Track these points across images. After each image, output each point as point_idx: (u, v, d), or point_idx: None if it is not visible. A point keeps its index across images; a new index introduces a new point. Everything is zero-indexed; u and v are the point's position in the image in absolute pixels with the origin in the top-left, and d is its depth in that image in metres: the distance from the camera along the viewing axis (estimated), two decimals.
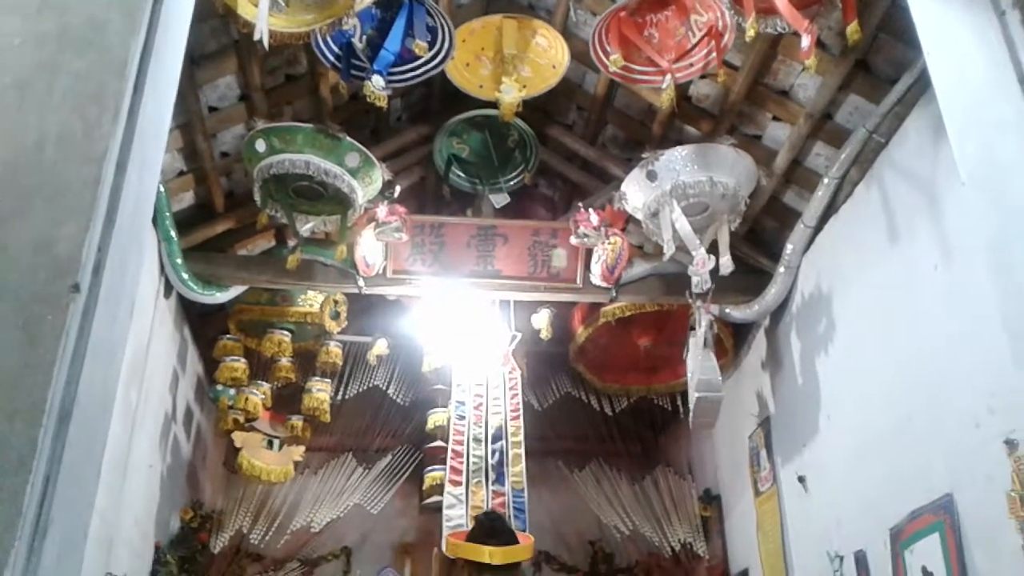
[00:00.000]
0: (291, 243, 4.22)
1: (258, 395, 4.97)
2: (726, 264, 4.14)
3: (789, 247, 4.54)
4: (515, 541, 3.23)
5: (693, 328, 4.59)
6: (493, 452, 4.80)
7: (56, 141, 1.53)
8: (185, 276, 4.39)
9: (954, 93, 2.09)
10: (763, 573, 4.93)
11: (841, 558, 4.06)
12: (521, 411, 5.04)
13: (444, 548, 3.63)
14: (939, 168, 3.38)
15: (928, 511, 3.36)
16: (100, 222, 1.52)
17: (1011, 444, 2.94)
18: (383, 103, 3.57)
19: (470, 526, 3.53)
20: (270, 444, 5.17)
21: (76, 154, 1.54)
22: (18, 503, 1.27)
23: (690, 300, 4.39)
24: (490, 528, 3.22)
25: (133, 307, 1.75)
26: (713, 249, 4.21)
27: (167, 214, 4.18)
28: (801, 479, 4.51)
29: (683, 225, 3.94)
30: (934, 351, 3.39)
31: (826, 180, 4.16)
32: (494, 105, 4.24)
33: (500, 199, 4.99)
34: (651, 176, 3.96)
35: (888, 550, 3.63)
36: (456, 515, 4.61)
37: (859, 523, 3.92)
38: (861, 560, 3.90)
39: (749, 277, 4.84)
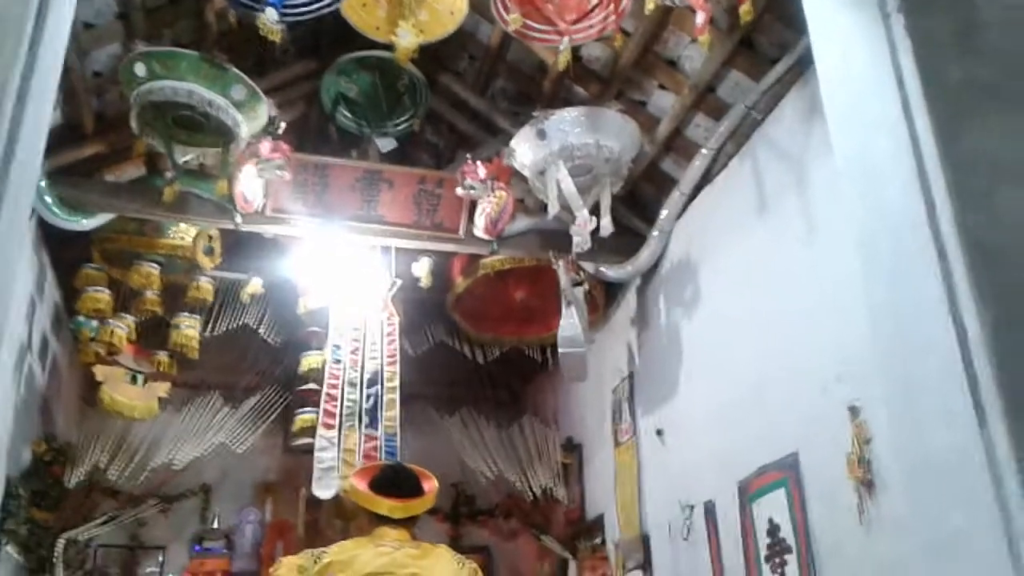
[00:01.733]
0: (169, 175, 4.05)
1: (123, 328, 4.78)
2: (606, 226, 4.27)
3: (664, 212, 4.73)
4: (418, 493, 3.22)
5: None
6: (368, 397, 4.82)
7: None
8: (48, 200, 4.15)
9: (836, 85, 2.22)
10: (618, 518, 5.20)
11: (692, 507, 4.34)
12: (398, 357, 5.07)
13: (344, 489, 3.58)
14: (810, 148, 3.60)
15: (774, 468, 3.64)
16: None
17: (854, 410, 3.22)
18: (277, 38, 3.46)
19: (363, 472, 3.49)
20: (134, 379, 5.00)
21: None
22: None
23: (552, 260, 4.52)
24: (393, 479, 3.20)
25: (23, 245, 1.68)
26: (595, 211, 4.35)
27: None
28: (659, 432, 4.77)
29: (568, 186, 4.04)
30: (792, 320, 3.65)
31: (704, 151, 4.35)
32: (388, 47, 4.18)
33: (386, 143, 4.94)
34: (541, 135, 4.02)
35: (736, 501, 3.92)
36: (328, 457, 4.62)
37: (710, 476, 4.19)
38: (710, 509, 4.18)
39: (624, 238, 5.00)
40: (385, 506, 3.12)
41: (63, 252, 4.99)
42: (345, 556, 2.96)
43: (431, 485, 3.27)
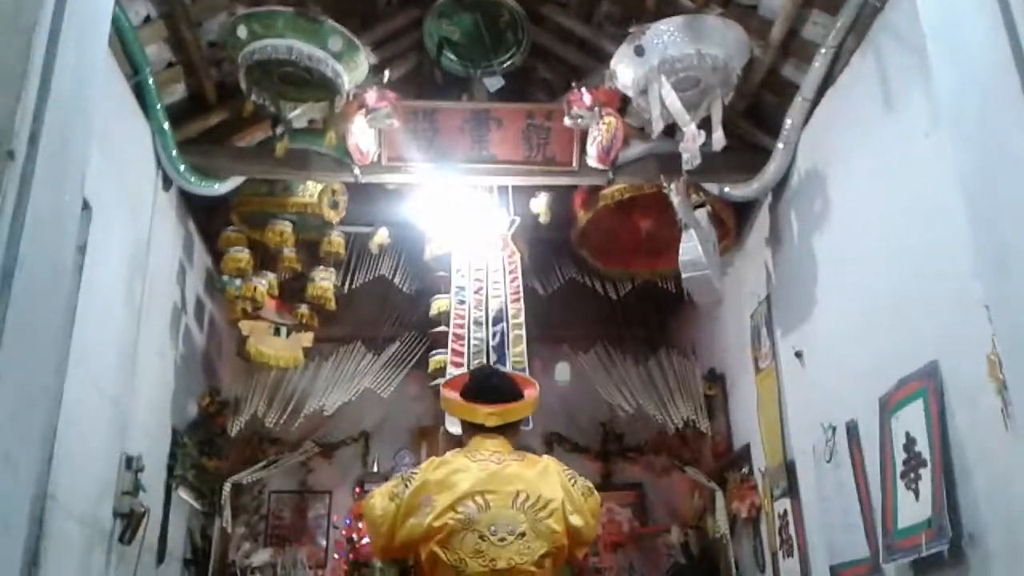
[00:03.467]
0: (279, 131, 4.23)
1: (263, 284, 5.06)
2: (719, 140, 4.08)
3: (788, 122, 4.47)
4: (515, 396, 2.98)
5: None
6: (494, 334, 4.88)
7: None
8: (181, 168, 4.43)
9: None
10: (763, 447, 5.04)
11: (834, 428, 4.13)
12: (521, 294, 5.10)
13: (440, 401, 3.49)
14: None
15: (914, 378, 3.40)
16: (33, 92, 1.55)
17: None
18: None
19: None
20: (277, 331, 5.30)
21: (6, 26, 1.56)
22: None
23: (663, 183, 4.36)
24: (485, 384, 2.98)
25: (84, 173, 1.79)
26: (708, 126, 4.16)
27: (158, 106, 4.19)
28: (798, 354, 4.55)
29: (672, 101, 3.87)
30: (923, 220, 3.37)
31: (823, 50, 4.06)
32: None
33: (494, 82, 4.93)
34: (639, 51, 3.87)
35: (877, 418, 3.69)
36: None
37: (851, 395, 3.96)
38: (852, 429, 3.97)
39: (749, 155, 4.79)
40: (478, 413, 2.89)
41: (209, 220, 5.34)
42: (440, 475, 2.75)
43: (531, 390, 3.03)
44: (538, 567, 2.65)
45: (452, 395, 3.01)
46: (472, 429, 2.94)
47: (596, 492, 2.97)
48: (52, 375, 1.66)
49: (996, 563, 2.86)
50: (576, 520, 2.77)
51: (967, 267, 3.06)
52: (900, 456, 3.41)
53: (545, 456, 2.97)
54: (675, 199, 4.33)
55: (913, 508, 3.26)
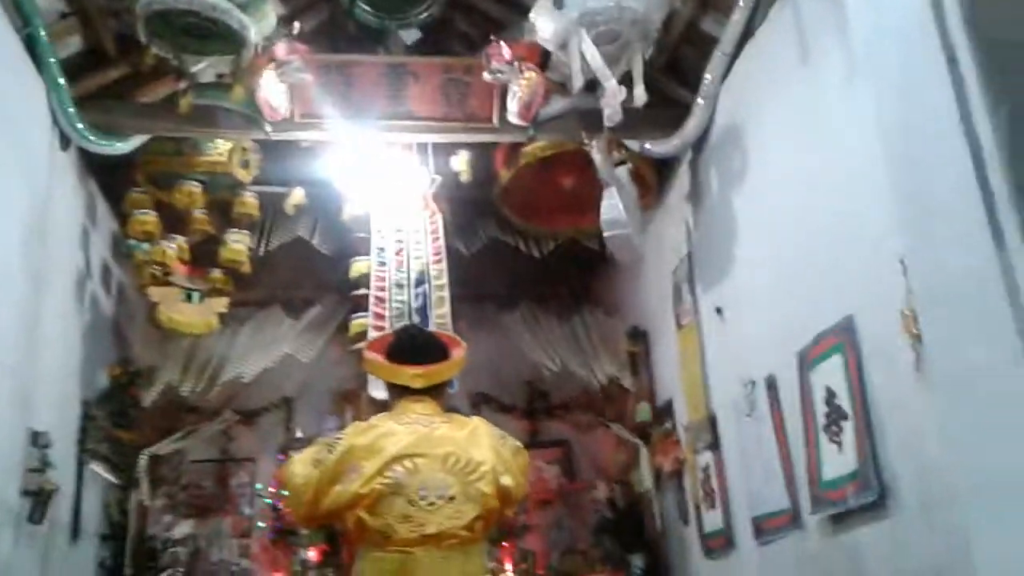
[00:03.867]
0: (183, 86, 4.02)
1: (172, 248, 4.86)
2: (639, 95, 4.03)
3: (707, 77, 4.44)
4: (441, 356, 2.87)
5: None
6: (416, 296, 4.79)
7: None
8: (79, 126, 4.18)
9: None
10: (685, 402, 5.09)
11: (753, 383, 4.18)
12: (444, 255, 5.01)
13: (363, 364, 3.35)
14: None
15: (831, 333, 3.44)
16: None
17: (905, 264, 2.98)
18: None
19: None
20: (189, 297, 5.08)
21: None
22: None
23: (584, 139, 4.31)
24: (410, 345, 2.88)
25: None
26: (630, 82, 4.11)
27: (51, 60, 3.93)
28: (719, 310, 4.59)
29: (593, 55, 3.80)
30: (840, 173, 3.38)
31: (741, 3, 4.04)
32: None
33: (410, 35, 4.78)
34: (557, 3, 3.79)
35: (796, 373, 3.74)
36: None
37: (770, 350, 4.01)
38: (771, 384, 4.02)
39: (669, 110, 4.76)
40: (404, 375, 2.77)
41: (113, 181, 5.09)
42: (366, 439, 2.65)
43: (458, 349, 2.93)
44: (469, 531, 2.60)
45: (376, 357, 2.90)
46: (398, 391, 2.84)
47: (525, 450, 2.93)
48: None
49: (910, 514, 2.93)
50: (507, 480, 2.71)
51: (882, 222, 3.09)
52: (821, 409, 3.46)
53: (474, 418, 2.91)
54: (597, 156, 4.28)
55: (837, 460, 3.33)
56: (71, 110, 4.13)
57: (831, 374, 3.41)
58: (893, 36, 1.87)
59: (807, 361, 3.64)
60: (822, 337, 3.51)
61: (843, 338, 3.34)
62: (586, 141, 4.35)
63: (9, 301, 3.68)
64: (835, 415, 3.36)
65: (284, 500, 5.44)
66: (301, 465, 2.72)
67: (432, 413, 2.78)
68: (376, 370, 3.00)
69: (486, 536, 2.76)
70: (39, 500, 3.82)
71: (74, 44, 4.26)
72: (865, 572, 3.19)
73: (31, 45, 3.86)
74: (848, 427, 3.26)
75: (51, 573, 4.06)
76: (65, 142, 4.33)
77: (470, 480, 2.62)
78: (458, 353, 2.93)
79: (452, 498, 2.58)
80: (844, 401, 3.30)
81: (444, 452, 2.65)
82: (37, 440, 3.88)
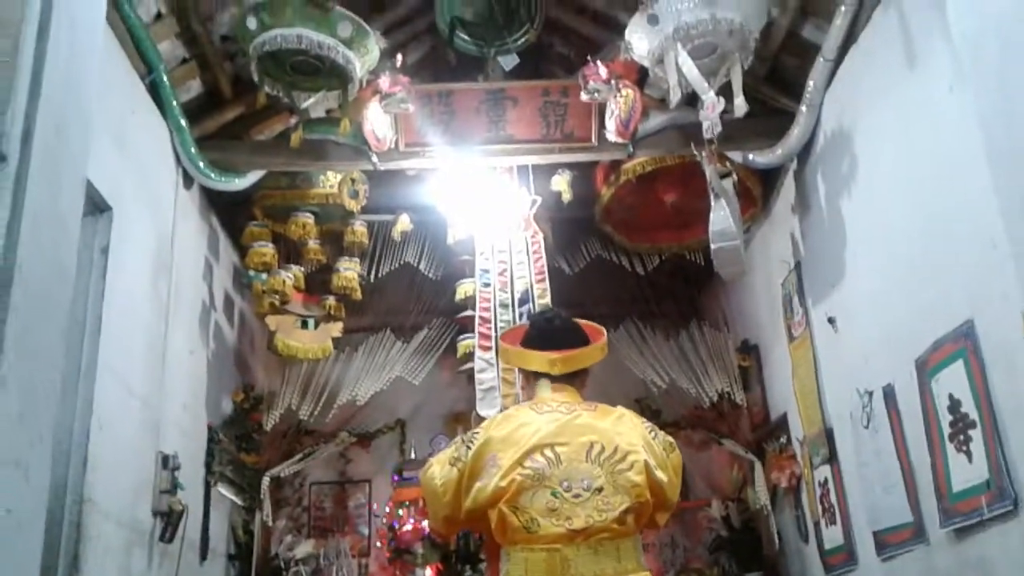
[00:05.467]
0: (293, 121, 4.21)
1: (289, 277, 5.06)
2: (740, 106, 3.99)
3: (810, 84, 4.36)
4: (580, 343, 2.66)
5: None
6: (521, 315, 4.83)
7: None
8: (201, 164, 4.44)
9: None
10: (800, 415, 4.96)
11: (870, 393, 4.05)
12: (546, 274, 5.03)
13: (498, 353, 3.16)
14: None
15: (950, 339, 3.32)
16: (24, 90, 1.52)
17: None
18: None
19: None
20: (304, 324, 5.29)
21: None
22: None
23: (695, 151, 4.27)
24: (547, 329, 2.67)
25: (83, 179, 1.77)
26: (729, 92, 4.07)
27: (174, 103, 4.20)
28: (831, 320, 4.47)
29: (690, 68, 3.79)
30: (951, 177, 3.27)
31: (843, 8, 3.95)
32: None
33: (509, 60, 4.86)
34: (652, 20, 3.79)
35: (914, 381, 3.61)
36: (488, 378, 4.71)
37: (886, 358, 3.89)
38: (889, 393, 3.89)
39: (772, 120, 4.69)
40: (542, 360, 2.58)
41: (233, 216, 5.35)
42: (504, 431, 2.47)
43: (599, 336, 2.71)
44: (620, 524, 2.34)
45: (511, 346, 2.73)
46: (536, 380, 2.64)
47: (677, 448, 2.65)
48: (55, 378, 1.64)
49: None
50: (660, 475, 2.46)
51: (997, 224, 2.97)
52: (946, 418, 3.33)
53: (619, 406, 2.63)
54: (707, 168, 4.23)
55: (967, 470, 3.20)
56: (193, 150, 4.39)
57: (954, 381, 3.28)
58: (993, 33, 1.82)
59: (926, 369, 3.51)
60: (941, 343, 3.38)
61: (964, 343, 3.21)
62: (696, 153, 4.30)
63: (141, 334, 3.92)
64: (961, 424, 3.22)
65: (403, 519, 5.60)
66: (439, 466, 2.56)
67: (573, 401, 2.57)
68: (511, 358, 2.84)
69: (639, 531, 2.46)
70: (170, 520, 4.02)
71: (194, 87, 4.53)
72: None
73: (155, 90, 4.12)
74: (977, 436, 3.13)
75: None
76: (188, 181, 4.60)
77: (618, 470, 2.38)
78: (599, 340, 2.71)
79: (600, 489, 2.36)
80: (970, 409, 3.17)
81: (588, 440, 2.42)
82: (167, 463, 4.09)
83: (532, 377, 2.66)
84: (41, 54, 1.58)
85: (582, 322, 2.75)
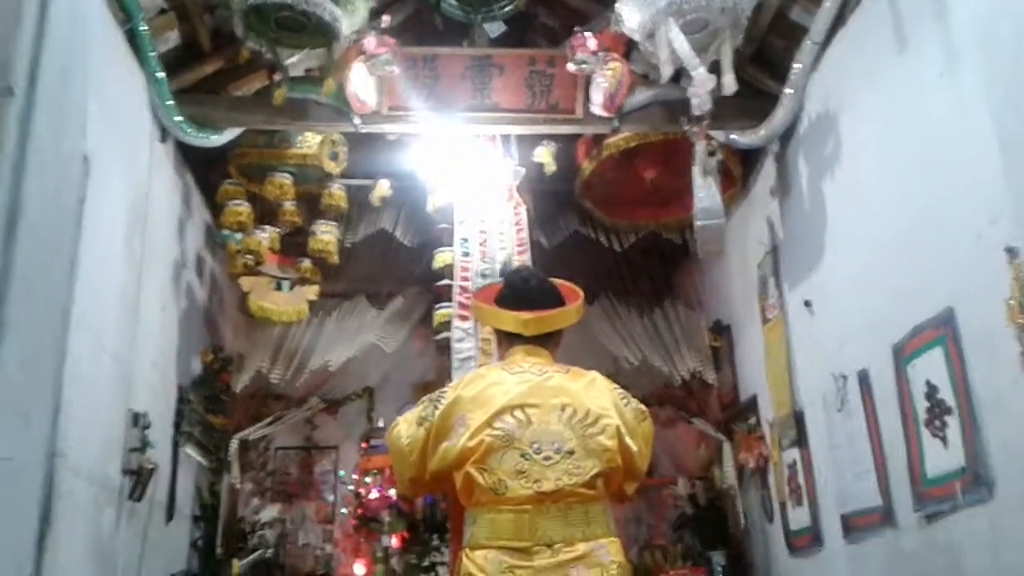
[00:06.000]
0: (277, 78, 4.12)
1: (264, 237, 4.98)
2: (729, 84, 3.98)
3: (796, 66, 4.37)
4: (555, 303, 2.58)
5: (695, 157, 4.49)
6: None
7: None
8: (178, 118, 4.33)
9: None
10: (770, 397, 5.02)
11: (845, 378, 4.10)
12: (528, 246, 5.01)
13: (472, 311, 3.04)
14: None
15: (930, 326, 3.35)
16: (30, 30, 1.47)
17: (1011, 252, 2.88)
18: None
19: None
20: (279, 286, 5.22)
21: None
22: None
23: (685, 127, 4.26)
24: (522, 288, 2.59)
25: (84, 120, 1.72)
26: (717, 70, 4.06)
27: (151, 53, 4.06)
28: (807, 303, 4.51)
29: (681, 44, 3.77)
30: (938, 162, 3.30)
31: None
32: None
33: (495, 28, 4.80)
34: None
35: (891, 366, 3.66)
36: (466, 348, 4.68)
37: (862, 343, 3.93)
38: (864, 378, 3.94)
39: (756, 101, 4.70)
40: (514, 320, 2.50)
41: (208, 174, 5.25)
42: (473, 390, 2.40)
43: (575, 297, 2.64)
44: (589, 488, 2.28)
45: (485, 304, 2.65)
46: (509, 340, 2.57)
47: (649, 417, 2.58)
48: (59, 325, 1.60)
49: (1013, 509, 2.84)
50: (631, 443, 2.40)
51: (985, 211, 3.01)
52: (922, 404, 3.38)
53: (593, 371, 2.56)
54: (698, 145, 4.22)
55: (942, 456, 3.24)
56: (170, 103, 4.27)
57: (932, 367, 3.32)
58: (1006, 15, 1.82)
59: (903, 354, 3.55)
60: (920, 330, 3.42)
61: (944, 330, 3.25)
62: (685, 128, 4.28)
63: (114, 288, 3.83)
64: (938, 410, 3.27)
65: (369, 487, 5.58)
66: (406, 425, 2.48)
67: (546, 363, 2.50)
68: (484, 316, 2.76)
69: (609, 496, 2.39)
70: (139, 479, 3.96)
71: (172, 38, 4.40)
72: (963, 567, 3.11)
73: (132, 39, 3.99)
74: (953, 422, 3.17)
75: (149, 549, 4.20)
76: (164, 135, 4.48)
77: (590, 433, 2.32)
78: (575, 301, 2.64)
79: (571, 452, 2.29)
80: (948, 395, 3.21)
81: (559, 402, 2.36)
82: (138, 421, 4.01)
83: (504, 337, 2.62)
84: None
85: (558, 282, 2.68)
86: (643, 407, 2.57)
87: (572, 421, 2.34)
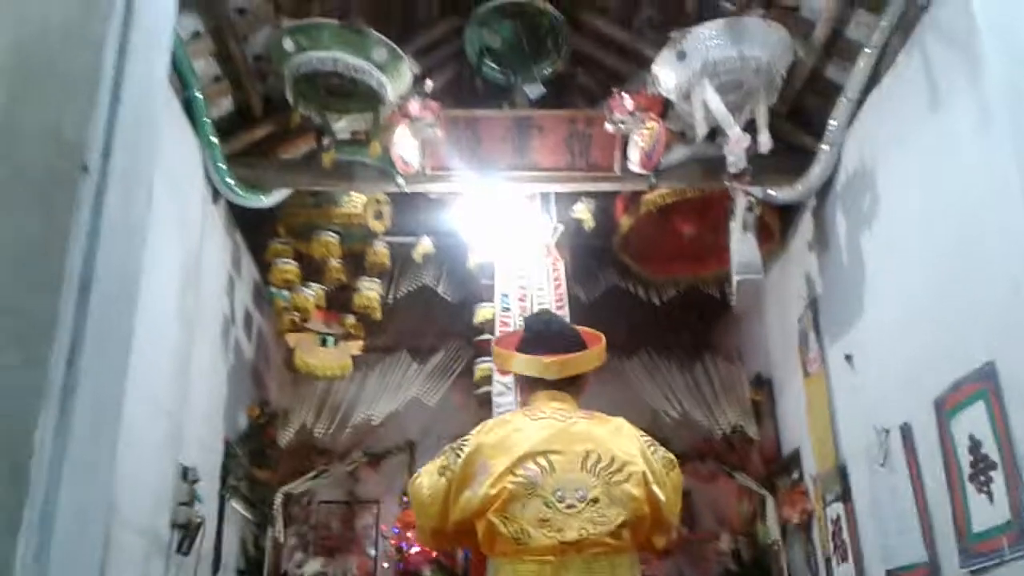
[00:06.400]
0: (325, 142, 4.28)
1: (311, 295, 5.11)
2: (764, 142, 4.06)
3: (832, 123, 4.43)
4: (577, 347, 2.54)
5: (733, 212, 4.55)
6: None
7: (58, 28, 1.58)
8: (230, 181, 4.50)
9: None
10: (813, 452, 4.98)
11: (887, 431, 4.07)
12: (566, 300, 5.08)
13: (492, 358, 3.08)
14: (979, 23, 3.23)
15: (971, 380, 3.34)
16: (105, 106, 1.58)
17: None
18: None
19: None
20: (324, 342, 5.35)
21: (77, 40, 1.59)
22: (44, 367, 1.36)
23: (727, 182, 4.32)
24: (544, 332, 2.57)
25: (151, 190, 1.83)
26: (753, 128, 4.14)
27: (206, 119, 4.26)
28: (848, 357, 4.50)
29: (716, 105, 3.87)
30: (972, 217, 3.33)
31: (867, 50, 4.03)
32: None
33: (534, 89, 4.94)
34: (680, 56, 3.87)
35: (933, 420, 3.63)
36: (506, 402, 4.72)
37: (904, 397, 3.91)
38: (906, 432, 3.91)
39: (793, 157, 4.75)
40: (537, 364, 2.45)
41: (257, 234, 5.42)
42: (495, 437, 2.34)
43: (596, 341, 2.59)
44: (615, 538, 2.21)
45: (505, 351, 2.60)
46: (531, 386, 2.52)
47: (678, 466, 2.50)
48: (121, 386, 1.70)
49: None
50: (659, 492, 2.31)
51: (1019, 265, 3.02)
52: (966, 459, 3.35)
53: (618, 417, 2.49)
54: (740, 199, 4.26)
55: (987, 511, 3.21)
56: (222, 166, 4.45)
57: (975, 422, 3.30)
58: None
59: (945, 408, 3.53)
60: (962, 384, 3.41)
61: (986, 384, 3.23)
62: (727, 183, 4.35)
63: (167, 347, 3.97)
64: (982, 464, 3.24)
65: (412, 541, 5.60)
66: (427, 476, 2.42)
67: (569, 408, 2.44)
68: (505, 362, 2.66)
69: (635, 547, 2.30)
70: (188, 532, 4.05)
71: (225, 105, 4.61)
72: None
73: (188, 106, 4.19)
74: (998, 476, 3.14)
75: None
76: (216, 196, 4.66)
77: (615, 481, 2.24)
78: (597, 345, 2.58)
79: (595, 500, 2.22)
80: (991, 450, 3.18)
81: (584, 449, 2.28)
82: (187, 476, 4.12)
83: (527, 383, 2.55)
84: (120, 71, 1.64)
85: (580, 328, 2.64)
86: (671, 455, 2.48)
87: (597, 468, 2.26)
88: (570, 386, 2.50)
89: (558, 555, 2.18)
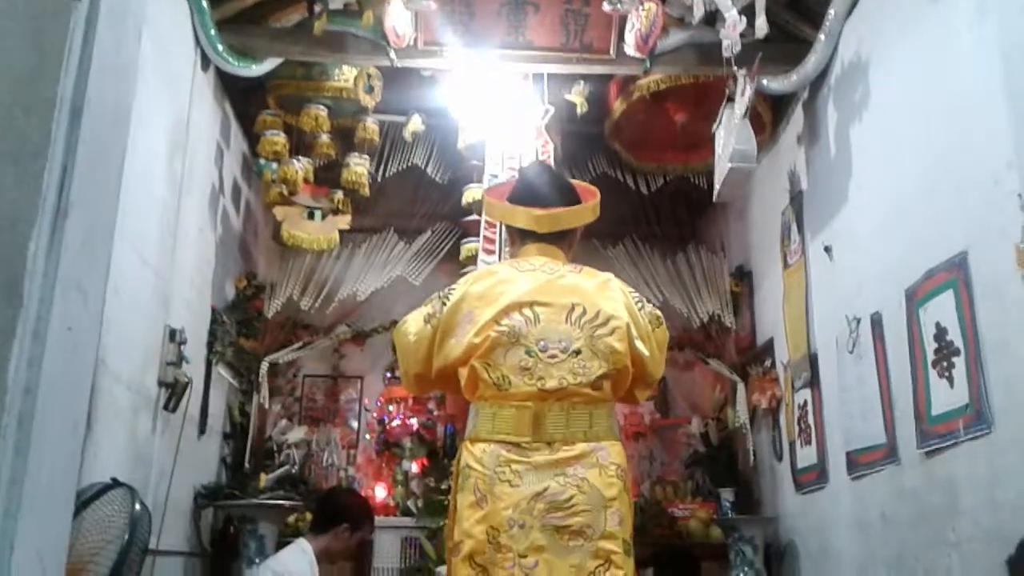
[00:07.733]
0: (317, 10, 4.21)
1: (299, 167, 5.11)
2: (761, 27, 4.03)
3: (831, 12, 4.38)
4: (571, 200, 2.52)
5: (731, 99, 4.51)
6: None
7: None
8: (219, 47, 4.44)
9: None
10: (787, 340, 5.12)
11: (858, 320, 4.19)
12: None
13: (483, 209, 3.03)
14: None
15: (943, 269, 3.43)
16: None
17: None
18: None
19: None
20: (311, 215, 5.38)
21: None
22: (38, 185, 1.41)
23: (733, 67, 4.27)
24: (536, 183, 2.54)
25: (141, 30, 1.83)
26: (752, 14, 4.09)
27: None
28: (827, 248, 4.58)
29: None
30: (961, 110, 3.34)
31: None
32: None
33: None
34: None
35: (903, 309, 3.74)
36: None
37: (878, 287, 4.01)
38: (876, 321, 4.02)
39: (789, 46, 4.72)
40: (526, 216, 2.43)
41: (246, 105, 5.38)
42: (481, 287, 2.36)
43: (591, 196, 2.56)
44: (594, 389, 2.27)
45: (497, 201, 2.60)
46: (521, 238, 2.52)
47: (664, 324, 2.54)
48: (112, 213, 1.75)
49: (1010, 447, 2.95)
50: (642, 347, 2.35)
51: (1002, 158, 3.06)
52: (931, 346, 3.46)
53: (608, 273, 2.50)
54: (748, 85, 4.20)
55: (947, 395, 3.33)
56: (212, 32, 4.38)
57: (943, 310, 3.40)
58: None
59: (916, 298, 3.63)
60: (933, 273, 3.49)
61: (956, 273, 3.32)
62: (736, 70, 4.29)
63: (155, 204, 3.99)
64: (946, 351, 3.35)
65: (393, 414, 5.78)
66: (414, 323, 2.42)
67: (559, 262, 2.45)
68: (496, 213, 2.68)
69: (615, 399, 2.35)
70: (174, 391, 4.16)
71: None
72: (960, 502, 3.23)
73: None
74: (960, 363, 3.26)
75: (182, 460, 4.40)
76: (205, 63, 4.60)
77: (598, 334, 2.28)
78: (591, 199, 2.56)
79: (577, 352, 2.26)
80: (956, 337, 3.29)
81: (569, 302, 2.31)
82: (175, 336, 4.20)
83: (517, 234, 2.56)
84: None
85: (575, 182, 2.64)
86: (659, 312, 2.53)
87: (581, 321, 2.30)
88: (560, 240, 2.50)
89: (537, 401, 2.26)
